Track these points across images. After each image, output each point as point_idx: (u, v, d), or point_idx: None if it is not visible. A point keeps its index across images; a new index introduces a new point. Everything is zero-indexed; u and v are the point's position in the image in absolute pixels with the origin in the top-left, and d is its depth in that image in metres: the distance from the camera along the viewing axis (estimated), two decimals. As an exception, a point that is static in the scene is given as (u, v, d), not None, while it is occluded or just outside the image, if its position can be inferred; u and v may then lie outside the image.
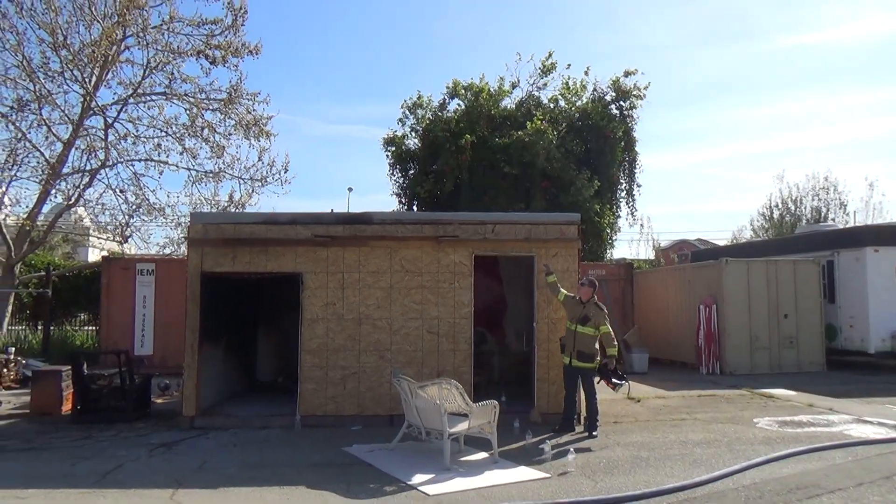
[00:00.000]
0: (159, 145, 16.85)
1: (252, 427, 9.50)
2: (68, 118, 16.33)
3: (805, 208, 35.78)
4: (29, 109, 15.59)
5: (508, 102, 22.38)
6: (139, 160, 16.91)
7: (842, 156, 71.84)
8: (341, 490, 6.48)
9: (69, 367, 10.59)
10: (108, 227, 18.27)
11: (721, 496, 6.21)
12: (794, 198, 36.26)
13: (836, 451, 7.90)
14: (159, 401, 11.75)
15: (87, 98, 15.91)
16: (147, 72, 16.37)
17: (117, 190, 16.74)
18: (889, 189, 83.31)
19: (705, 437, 8.78)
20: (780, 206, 36.76)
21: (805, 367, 15.66)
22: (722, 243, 37.21)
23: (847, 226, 28.62)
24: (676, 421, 10.02)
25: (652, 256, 36.98)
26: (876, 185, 39.68)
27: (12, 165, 15.79)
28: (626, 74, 22.11)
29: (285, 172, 17.99)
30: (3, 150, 15.88)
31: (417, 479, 6.83)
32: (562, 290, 9.50)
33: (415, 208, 21.58)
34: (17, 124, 15.65)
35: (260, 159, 17.79)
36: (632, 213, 22.71)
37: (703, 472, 6.88)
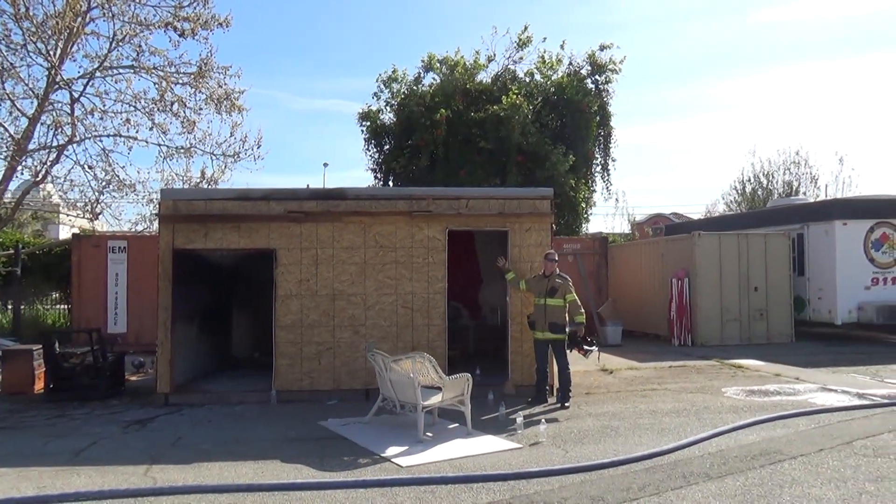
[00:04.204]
0: (128, 120, 16.51)
1: (227, 403, 9.53)
2: (33, 92, 15.90)
3: (777, 182, 36.15)
4: (-9, 83, 15.15)
5: (484, 77, 22.26)
6: (107, 135, 16.55)
7: (813, 131, 72.75)
8: (316, 463, 6.54)
9: (40, 345, 10.50)
10: (78, 204, 17.91)
11: (687, 463, 6.37)
12: (765, 172, 36.59)
13: (800, 419, 8.13)
14: (133, 378, 11.72)
15: (52, 71, 15.48)
16: (114, 44, 15.97)
17: (86, 166, 16.41)
18: (858, 164, 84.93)
19: (675, 407, 8.98)
20: (753, 180, 37.06)
21: (774, 338, 16.03)
22: (696, 217, 37.62)
23: (817, 199, 29.05)
24: (647, 391, 10.23)
25: (627, 230, 37.31)
26: (845, 159, 40.18)
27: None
28: (602, 48, 22.11)
29: (258, 148, 17.70)
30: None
31: (391, 451, 6.92)
32: (521, 281, 9.64)
33: (390, 184, 21.49)
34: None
35: (232, 134, 17.49)
36: (607, 188, 22.94)
37: (671, 441, 7.05)
